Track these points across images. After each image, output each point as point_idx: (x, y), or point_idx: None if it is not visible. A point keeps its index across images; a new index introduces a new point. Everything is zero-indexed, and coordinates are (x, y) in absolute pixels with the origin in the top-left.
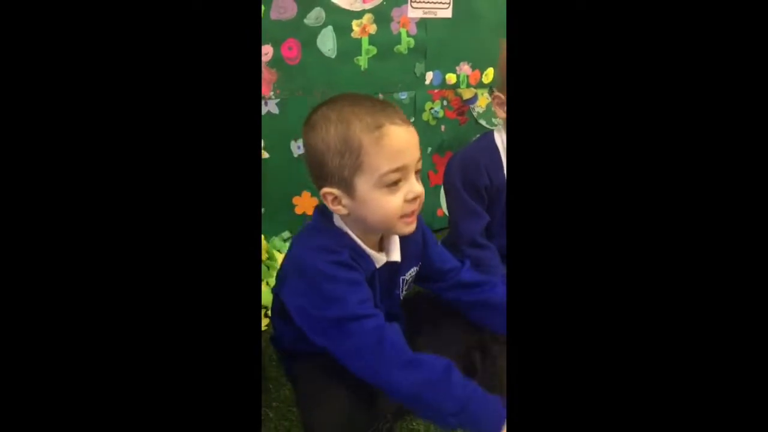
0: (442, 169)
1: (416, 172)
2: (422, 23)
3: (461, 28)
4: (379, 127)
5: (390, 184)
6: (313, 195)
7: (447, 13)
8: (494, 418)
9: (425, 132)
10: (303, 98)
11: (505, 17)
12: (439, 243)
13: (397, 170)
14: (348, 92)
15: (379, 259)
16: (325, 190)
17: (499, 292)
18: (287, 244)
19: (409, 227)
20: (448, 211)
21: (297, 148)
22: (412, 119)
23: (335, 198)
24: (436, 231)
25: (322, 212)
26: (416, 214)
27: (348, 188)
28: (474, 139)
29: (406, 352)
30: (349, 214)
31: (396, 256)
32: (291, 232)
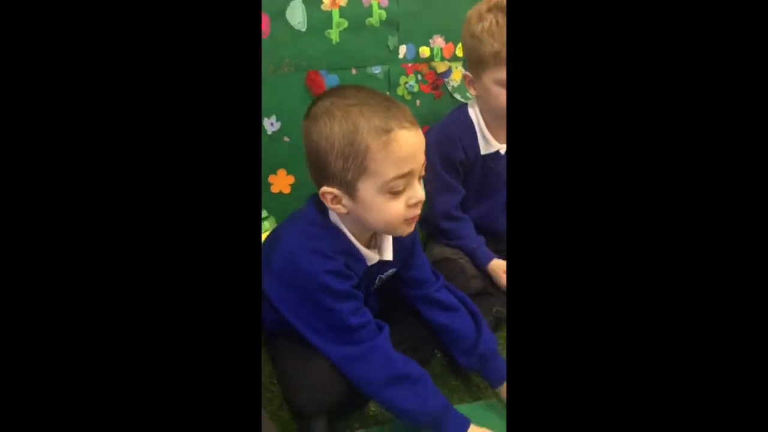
0: None
1: (420, 178)
2: None
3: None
4: (387, 131)
5: (393, 191)
6: (288, 173)
7: None
8: (460, 426)
9: None
10: (274, 74)
11: None
12: (423, 253)
13: (402, 176)
14: (352, 85)
15: (372, 257)
16: (326, 189)
17: (463, 325)
18: (264, 224)
19: (410, 228)
20: (425, 187)
21: (270, 125)
22: (387, 94)
23: (335, 197)
24: None
25: (317, 205)
26: (416, 217)
27: (350, 190)
28: (449, 112)
29: (393, 364)
30: (348, 214)
31: (388, 255)
32: (267, 210)
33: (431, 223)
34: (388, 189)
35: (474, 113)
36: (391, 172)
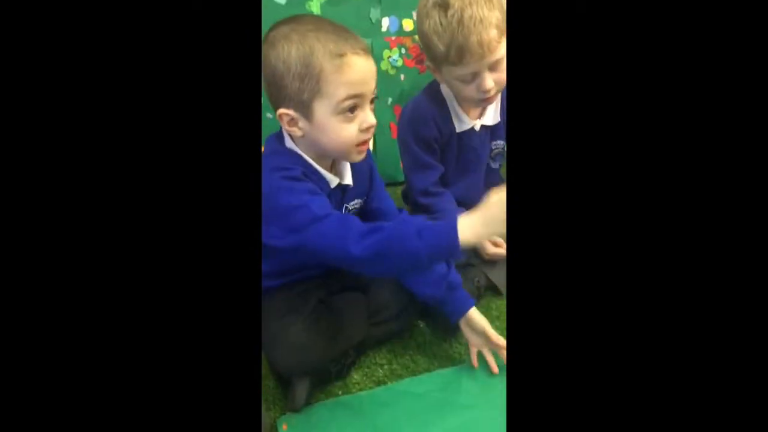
0: None
1: (370, 102)
2: None
3: None
4: (341, 55)
5: (346, 111)
6: None
7: None
8: (450, 232)
9: (385, 82)
10: None
11: None
12: (383, 186)
13: (353, 97)
14: (309, 14)
15: (332, 179)
16: (282, 111)
17: None
18: None
19: (361, 155)
20: (402, 165)
21: None
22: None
23: (292, 119)
24: (400, 183)
25: (275, 137)
26: (368, 143)
27: (306, 111)
28: (422, 89)
29: (365, 224)
30: (303, 137)
31: (348, 179)
32: None
33: (411, 200)
34: (341, 109)
35: (446, 91)
36: (343, 93)
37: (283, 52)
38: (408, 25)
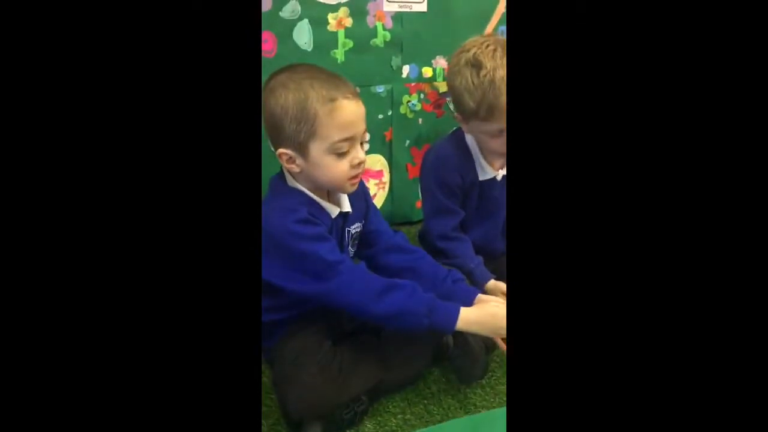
0: (420, 162)
1: (361, 143)
2: (398, 17)
3: (436, 21)
4: (332, 100)
5: (339, 152)
6: None
7: (422, 7)
8: (452, 315)
9: (403, 125)
10: None
11: (479, 11)
12: (376, 209)
13: (345, 140)
14: (303, 63)
15: (333, 209)
16: (281, 150)
17: (427, 262)
18: None
19: (353, 187)
20: (423, 207)
21: None
22: (390, 112)
23: (290, 158)
24: (415, 222)
25: (278, 177)
26: (360, 176)
27: (302, 151)
28: (446, 135)
29: (379, 279)
30: (301, 172)
31: (347, 206)
32: None
33: (428, 244)
34: (334, 150)
35: (471, 141)
36: (336, 136)
37: (281, 98)
38: (427, 72)
